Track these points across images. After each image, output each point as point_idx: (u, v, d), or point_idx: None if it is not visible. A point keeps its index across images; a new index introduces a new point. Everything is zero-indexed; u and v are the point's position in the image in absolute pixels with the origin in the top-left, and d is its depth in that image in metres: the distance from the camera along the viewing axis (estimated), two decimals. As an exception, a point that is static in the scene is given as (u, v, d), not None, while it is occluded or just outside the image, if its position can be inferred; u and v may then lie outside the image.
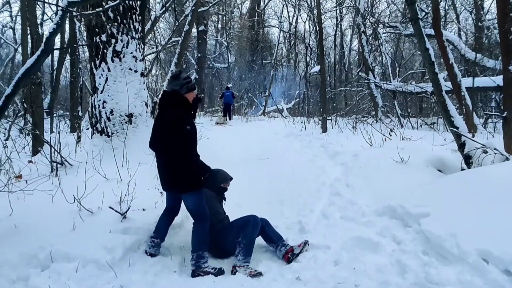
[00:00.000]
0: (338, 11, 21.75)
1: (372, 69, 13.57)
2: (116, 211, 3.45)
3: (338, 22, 23.41)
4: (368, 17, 14.15)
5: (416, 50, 16.40)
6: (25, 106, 9.49)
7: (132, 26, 5.37)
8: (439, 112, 7.95)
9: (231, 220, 3.55)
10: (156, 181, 4.53)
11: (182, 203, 3.26)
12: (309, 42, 23.80)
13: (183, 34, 9.49)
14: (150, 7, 11.35)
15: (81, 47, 12.47)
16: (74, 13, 6.08)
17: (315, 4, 16.06)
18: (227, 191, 3.78)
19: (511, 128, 4.55)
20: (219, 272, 3.05)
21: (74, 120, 10.31)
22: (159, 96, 3.38)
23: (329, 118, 10.60)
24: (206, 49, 20.31)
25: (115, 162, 4.42)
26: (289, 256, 3.23)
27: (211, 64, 23.45)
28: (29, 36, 9.12)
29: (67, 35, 12.85)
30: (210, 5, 14.92)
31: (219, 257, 3.38)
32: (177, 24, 12.75)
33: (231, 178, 3.77)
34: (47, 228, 3.26)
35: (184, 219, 3.80)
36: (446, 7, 15.86)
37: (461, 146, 4.75)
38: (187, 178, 3.06)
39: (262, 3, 25.00)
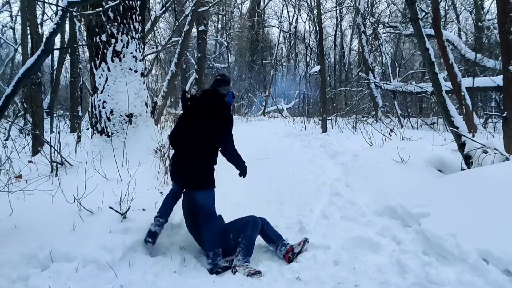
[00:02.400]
0: (338, 11, 21.74)
1: (372, 69, 13.57)
2: (116, 211, 3.45)
3: (338, 22, 23.41)
4: (368, 17, 14.15)
5: (416, 50, 16.40)
6: (25, 106, 9.49)
7: (132, 26, 5.37)
8: (439, 112, 7.95)
9: (230, 220, 3.55)
10: (156, 181, 4.54)
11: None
12: (309, 42, 23.82)
13: (183, 34, 9.49)
14: (150, 7, 11.34)
15: (81, 47, 12.47)
16: (74, 13, 6.07)
17: (315, 4, 16.07)
18: None
19: (511, 128, 4.55)
20: (230, 265, 3.16)
21: (74, 120, 10.31)
22: (200, 93, 3.52)
23: (329, 118, 10.60)
24: (206, 49, 20.26)
25: (115, 162, 4.42)
26: (290, 255, 3.23)
27: (211, 64, 23.41)
28: (29, 36, 9.13)
29: (67, 35, 12.84)
30: (210, 5, 14.89)
31: None
32: (177, 24, 12.75)
33: None
34: (47, 228, 3.26)
35: (184, 219, 3.79)
36: (446, 7, 15.85)
37: (461, 146, 4.75)
38: (211, 175, 3.29)
39: (262, 3, 24.98)
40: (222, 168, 3.83)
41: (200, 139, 3.22)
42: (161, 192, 3.92)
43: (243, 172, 3.53)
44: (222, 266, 3.14)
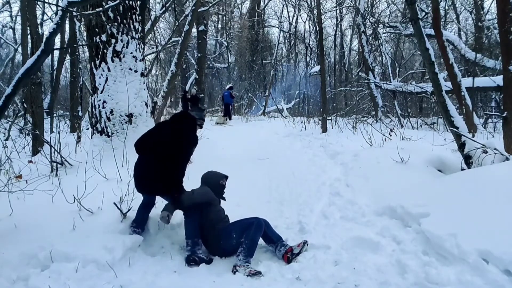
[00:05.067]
0: (338, 11, 21.76)
1: (372, 69, 13.57)
2: (119, 208, 3.47)
3: (338, 22, 23.44)
4: (368, 17, 14.15)
5: (416, 50, 16.40)
6: (25, 106, 9.50)
7: (132, 26, 5.37)
8: (439, 112, 7.95)
9: (234, 220, 3.55)
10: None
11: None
12: (309, 42, 23.84)
13: (183, 34, 9.50)
14: (150, 7, 11.35)
15: (81, 47, 12.47)
16: (74, 13, 6.07)
17: (315, 4, 16.07)
18: (225, 188, 3.79)
19: (511, 128, 4.55)
20: (210, 261, 3.25)
21: (74, 120, 10.32)
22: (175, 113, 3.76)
23: (329, 118, 10.61)
24: (206, 49, 20.27)
25: (115, 162, 4.42)
26: (289, 256, 3.23)
27: (211, 64, 23.43)
28: (29, 36, 9.13)
29: (67, 35, 12.85)
30: (210, 5, 14.90)
31: (219, 256, 3.39)
32: (177, 24, 12.76)
33: (226, 176, 3.80)
34: (47, 228, 3.26)
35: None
36: (446, 7, 15.85)
37: (461, 146, 4.75)
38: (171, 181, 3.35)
39: (262, 3, 24.98)
40: (223, 167, 3.83)
41: (161, 155, 3.32)
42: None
43: (173, 200, 3.35)
44: (199, 256, 3.21)
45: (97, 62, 5.24)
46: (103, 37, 5.16)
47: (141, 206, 3.54)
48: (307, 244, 3.35)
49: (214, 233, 3.33)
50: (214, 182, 3.67)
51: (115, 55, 5.21)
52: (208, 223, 3.38)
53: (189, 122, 3.56)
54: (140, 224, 3.48)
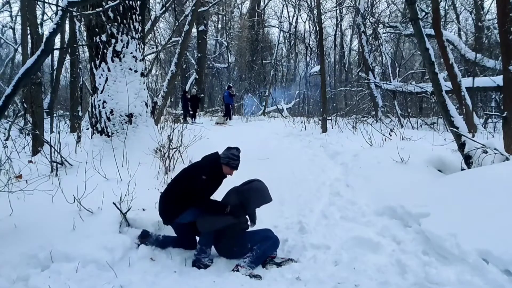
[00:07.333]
0: (338, 11, 21.77)
1: (372, 69, 13.58)
2: (118, 209, 3.46)
3: (338, 22, 23.46)
4: (368, 17, 14.16)
5: (416, 50, 16.40)
6: (25, 106, 9.49)
7: (132, 26, 5.37)
8: (439, 112, 7.95)
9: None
10: (156, 181, 4.54)
11: None
12: (309, 42, 23.84)
13: (183, 34, 9.49)
14: (150, 7, 11.35)
15: (81, 47, 12.47)
16: (74, 13, 6.07)
17: (315, 4, 16.08)
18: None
19: (511, 128, 4.55)
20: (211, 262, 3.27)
21: (74, 120, 10.32)
22: None
23: (329, 118, 10.61)
24: (206, 49, 20.30)
25: (115, 162, 4.42)
26: (268, 260, 3.22)
27: (211, 64, 23.45)
28: (29, 36, 9.13)
29: (67, 35, 12.84)
30: (210, 5, 14.92)
31: (226, 257, 3.37)
32: (177, 24, 12.76)
33: (270, 201, 3.58)
34: (47, 228, 3.26)
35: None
36: (446, 7, 15.86)
37: (461, 146, 4.75)
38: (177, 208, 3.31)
39: (262, 3, 25.00)
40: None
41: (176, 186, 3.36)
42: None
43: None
44: (205, 263, 3.21)
45: (97, 62, 5.23)
46: (103, 37, 5.15)
47: (172, 239, 3.46)
48: (292, 261, 3.22)
49: (230, 239, 3.28)
50: (254, 204, 3.47)
51: (115, 55, 5.21)
52: (226, 229, 3.30)
53: (215, 167, 3.47)
54: (162, 246, 3.40)
